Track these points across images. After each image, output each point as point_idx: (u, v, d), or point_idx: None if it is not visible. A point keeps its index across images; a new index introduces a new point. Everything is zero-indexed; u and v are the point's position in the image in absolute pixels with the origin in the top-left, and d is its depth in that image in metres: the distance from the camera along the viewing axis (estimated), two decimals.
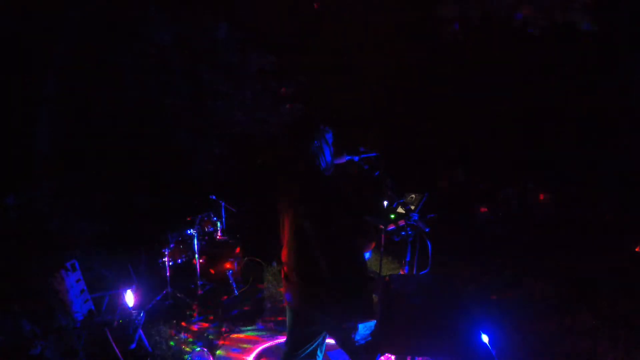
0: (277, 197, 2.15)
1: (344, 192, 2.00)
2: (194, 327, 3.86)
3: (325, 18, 8.78)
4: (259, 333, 3.70)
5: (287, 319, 2.19)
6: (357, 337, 1.99)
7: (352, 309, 1.96)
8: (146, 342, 3.27)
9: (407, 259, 2.31)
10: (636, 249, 5.97)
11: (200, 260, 4.57)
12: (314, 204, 1.97)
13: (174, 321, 3.89)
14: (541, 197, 8.66)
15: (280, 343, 3.45)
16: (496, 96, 9.48)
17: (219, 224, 5.26)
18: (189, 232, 4.60)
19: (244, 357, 3.32)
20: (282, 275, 2.16)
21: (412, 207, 2.73)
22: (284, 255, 2.12)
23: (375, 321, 1.97)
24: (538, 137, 9.19)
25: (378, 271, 5.21)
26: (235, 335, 3.67)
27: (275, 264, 5.36)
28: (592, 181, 8.51)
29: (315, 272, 1.95)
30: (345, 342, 2.06)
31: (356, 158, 2.22)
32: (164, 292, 4.36)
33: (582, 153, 8.59)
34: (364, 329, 2.00)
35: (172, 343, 3.53)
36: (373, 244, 2.11)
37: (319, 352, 2.19)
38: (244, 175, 7.58)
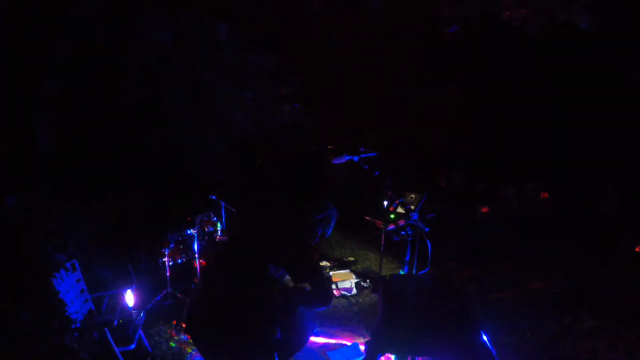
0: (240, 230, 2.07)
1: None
2: None
3: (325, 18, 8.78)
4: None
5: None
6: None
7: None
8: (146, 342, 3.27)
9: (407, 258, 2.30)
10: (636, 249, 5.97)
11: (200, 260, 4.57)
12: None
13: (174, 321, 3.89)
14: (541, 196, 8.66)
15: None
16: (496, 96, 9.49)
17: (219, 224, 5.26)
18: (189, 232, 4.61)
19: None
20: None
21: (412, 207, 2.73)
22: None
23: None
24: (538, 137, 9.19)
25: (378, 271, 5.22)
26: None
27: None
28: (592, 181, 8.51)
29: None
30: None
31: (356, 158, 2.21)
32: (164, 292, 4.36)
33: (582, 153, 8.58)
34: None
35: (172, 343, 3.53)
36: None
37: None
38: (244, 175, 7.58)
